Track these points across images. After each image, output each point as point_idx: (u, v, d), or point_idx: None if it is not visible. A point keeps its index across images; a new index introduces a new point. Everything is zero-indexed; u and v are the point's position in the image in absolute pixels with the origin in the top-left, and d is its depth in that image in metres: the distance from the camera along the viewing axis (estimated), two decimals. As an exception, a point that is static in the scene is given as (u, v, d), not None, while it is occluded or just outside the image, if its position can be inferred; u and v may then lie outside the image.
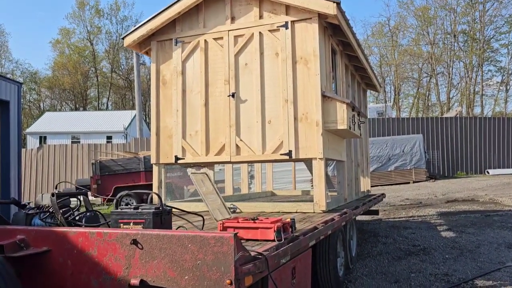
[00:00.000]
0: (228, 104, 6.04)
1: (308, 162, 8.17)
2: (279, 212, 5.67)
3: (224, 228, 3.35)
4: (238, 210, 5.87)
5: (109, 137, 39.49)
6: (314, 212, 5.48)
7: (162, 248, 2.68)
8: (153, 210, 3.04)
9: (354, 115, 5.96)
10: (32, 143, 40.08)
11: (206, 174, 3.87)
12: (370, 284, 6.16)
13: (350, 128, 5.67)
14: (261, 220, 3.36)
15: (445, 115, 34.40)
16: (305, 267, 3.73)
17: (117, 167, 16.01)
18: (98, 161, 16.22)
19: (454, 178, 24.58)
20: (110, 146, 23.01)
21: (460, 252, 7.74)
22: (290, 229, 3.40)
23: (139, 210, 3.07)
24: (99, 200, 17.99)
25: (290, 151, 5.63)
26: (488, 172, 26.25)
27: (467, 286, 5.93)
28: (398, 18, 54.27)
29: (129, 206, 3.18)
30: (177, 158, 6.29)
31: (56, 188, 3.69)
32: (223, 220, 3.45)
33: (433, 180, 23.53)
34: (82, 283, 2.86)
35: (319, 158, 5.52)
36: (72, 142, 28.50)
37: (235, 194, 8.47)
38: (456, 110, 33.73)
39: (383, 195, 10.37)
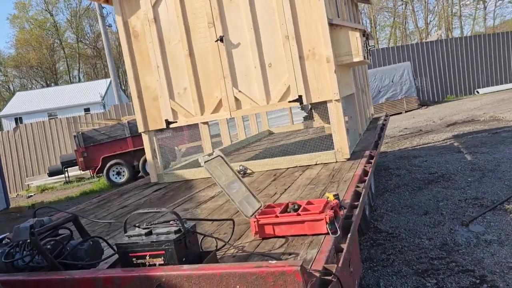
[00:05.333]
0: (217, 50, 5.05)
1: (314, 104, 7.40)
2: (295, 167, 4.91)
3: (261, 227, 2.52)
4: (248, 171, 5.09)
5: (87, 109, 38.16)
6: (336, 161, 4.73)
7: None
8: (174, 236, 2.10)
9: (365, 41, 5.07)
10: (8, 125, 38.59)
11: (221, 157, 3.01)
12: (398, 219, 5.63)
13: (365, 58, 4.80)
14: (307, 209, 2.52)
15: (426, 40, 33.50)
16: (356, 247, 2.95)
17: (102, 136, 15.14)
18: (80, 132, 15.31)
19: (445, 102, 24.12)
20: (89, 116, 21.89)
21: (481, 173, 7.25)
22: (339, 211, 2.61)
23: (154, 238, 2.14)
24: (88, 173, 17.22)
25: (300, 96, 4.72)
26: (478, 92, 25.80)
27: (504, 207, 5.43)
28: None
29: (138, 230, 2.25)
30: (168, 122, 5.40)
31: (34, 215, 2.56)
32: (257, 216, 2.58)
33: (425, 107, 23.01)
34: None
35: (335, 100, 4.63)
36: (50, 119, 27.23)
37: (233, 143, 7.80)
38: (436, 34, 32.78)
39: (387, 116, 9.64)
